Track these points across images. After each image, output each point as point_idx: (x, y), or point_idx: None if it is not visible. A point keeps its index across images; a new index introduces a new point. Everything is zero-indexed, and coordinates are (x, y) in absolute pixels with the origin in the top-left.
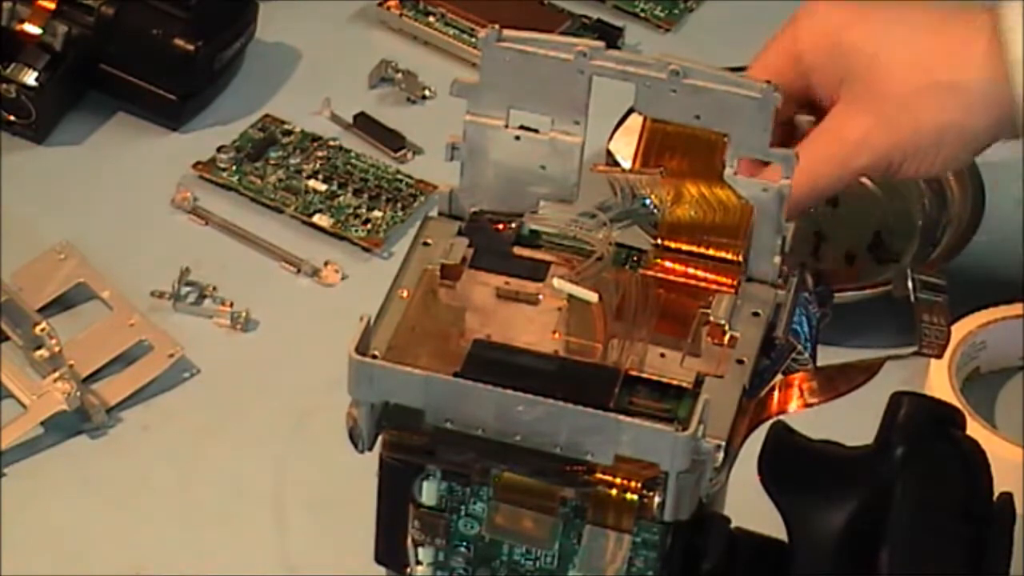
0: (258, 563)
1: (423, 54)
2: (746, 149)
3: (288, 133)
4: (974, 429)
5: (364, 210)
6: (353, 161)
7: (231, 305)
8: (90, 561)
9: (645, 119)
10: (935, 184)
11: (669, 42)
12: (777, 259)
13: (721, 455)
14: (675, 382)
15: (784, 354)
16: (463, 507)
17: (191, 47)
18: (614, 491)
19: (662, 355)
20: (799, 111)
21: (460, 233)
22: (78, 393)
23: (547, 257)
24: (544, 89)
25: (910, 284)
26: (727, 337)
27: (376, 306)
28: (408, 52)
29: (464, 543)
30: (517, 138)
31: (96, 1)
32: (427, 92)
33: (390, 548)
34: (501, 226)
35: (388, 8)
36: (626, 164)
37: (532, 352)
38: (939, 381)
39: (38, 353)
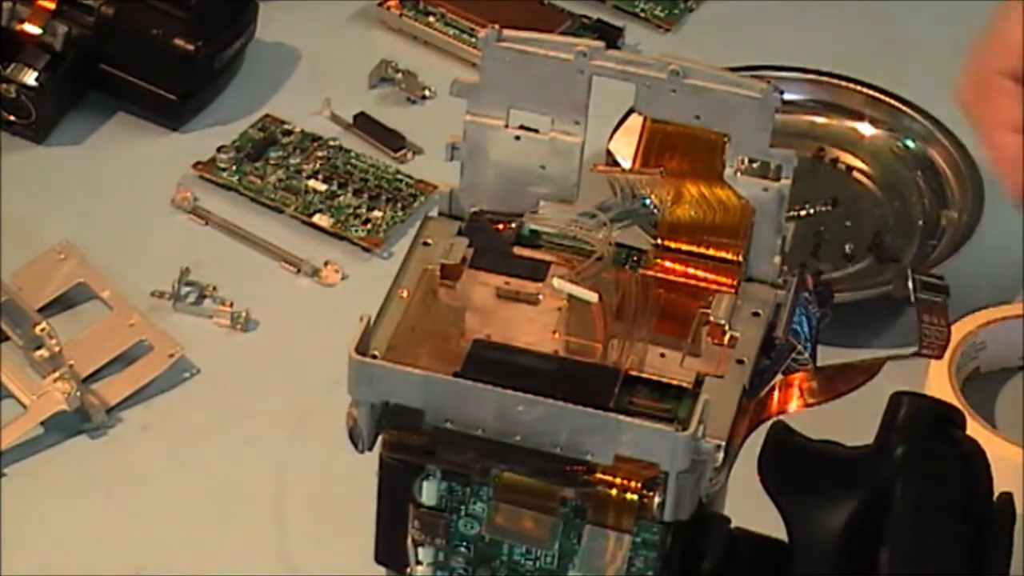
0: (258, 563)
1: (423, 54)
2: (746, 149)
3: (288, 133)
4: (974, 429)
5: (364, 210)
6: (353, 161)
7: (231, 305)
8: (90, 561)
9: (645, 119)
10: (935, 184)
11: (669, 42)
12: (777, 259)
13: (721, 455)
14: (675, 382)
15: (784, 354)
16: (463, 507)
17: (191, 47)
18: (614, 491)
19: (662, 355)
20: None
21: (460, 233)
22: (78, 393)
23: (547, 257)
24: (544, 89)
25: (910, 284)
26: (727, 337)
27: (376, 306)
28: (408, 52)
29: (464, 543)
30: (517, 138)
31: (96, 1)
32: (427, 92)
33: (390, 548)
34: (501, 226)
35: (388, 8)
36: (626, 164)
37: (532, 352)
38: (939, 381)
39: (38, 353)
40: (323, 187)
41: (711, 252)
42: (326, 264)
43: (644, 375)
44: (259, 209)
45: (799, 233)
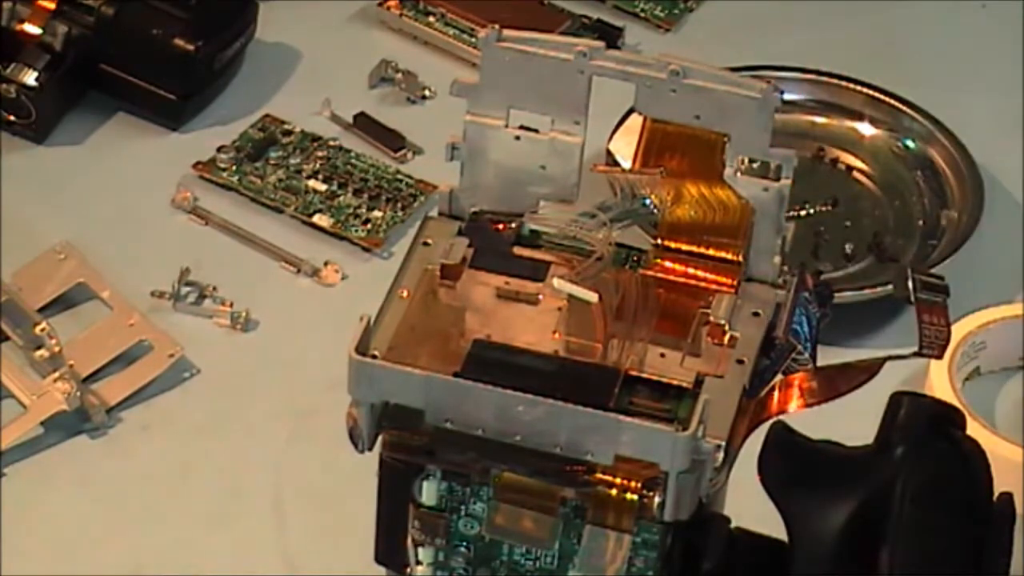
0: (258, 563)
1: (423, 54)
2: (746, 149)
3: (288, 133)
4: (974, 429)
5: (364, 210)
6: (353, 161)
7: (231, 305)
8: (90, 561)
9: (645, 119)
10: (935, 184)
11: (669, 42)
12: (777, 259)
13: (721, 455)
14: (675, 382)
15: (784, 354)
16: (463, 507)
17: (191, 47)
18: (614, 491)
19: (662, 355)
20: None
21: (460, 233)
22: (78, 393)
23: (547, 257)
24: (544, 89)
25: (910, 284)
26: (727, 337)
27: (376, 306)
28: (408, 52)
29: (464, 543)
30: (517, 138)
31: (96, 1)
32: (427, 92)
33: (390, 548)
34: (501, 226)
35: (388, 8)
36: (626, 164)
37: (532, 352)
38: (939, 381)
39: (38, 353)
40: (323, 187)
41: (711, 252)
42: (326, 264)
43: (644, 375)
44: (259, 209)
45: (799, 233)
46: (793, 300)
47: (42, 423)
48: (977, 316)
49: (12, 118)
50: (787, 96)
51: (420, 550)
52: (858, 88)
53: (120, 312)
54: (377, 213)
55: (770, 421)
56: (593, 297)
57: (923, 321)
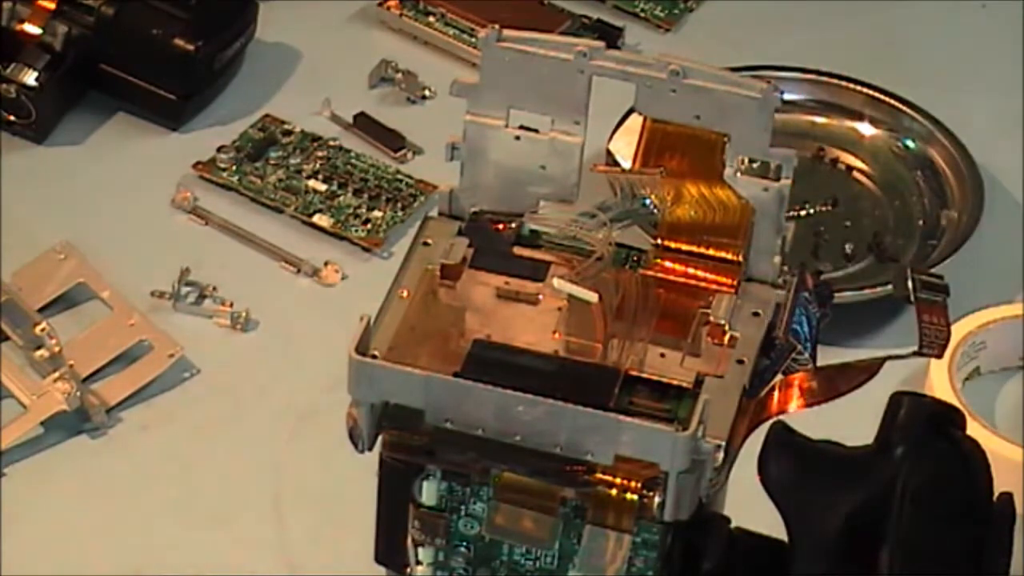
0: (258, 563)
1: (423, 54)
2: (746, 149)
3: (288, 133)
4: (974, 429)
5: (364, 210)
6: (353, 161)
7: (231, 305)
8: (90, 561)
9: (645, 119)
10: (935, 184)
11: (669, 42)
12: (777, 259)
13: (721, 455)
14: (675, 382)
15: (784, 354)
16: (463, 507)
17: (191, 47)
18: (614, 491)
19: (662, 355)
20: None
21: (460, 233)
22: (78, 393)
23: (547, 257)
24: (544, 89)
25: (910, 284)
26: (727, 337)
27: (376, 306)
28: (408, 52)
29: (464, 543)
30: (517, 138)
31: (96, 1)
32: (427, 92)
33: (390, 548)
34: (501, 226)
35: (388, 8)
36: (626, 164)
37: (532, 352)
38: (939, 381)
39: (38, 353)
40: (323, 187)
41: (711, 252)
42: (326, 264)
43: (644, 375)
44: (259, 209)
45: (799, 233)
46: (793, 300)
47: (42, 423)
48: (977, 316)
49: (12, 118)
50: (787, 96)
51: (420, 550)
52: (858, 88)
53: (120, 312)
54: (377, 213)
55: (770, 421)
56: (593, 297)
57: (923, 321)
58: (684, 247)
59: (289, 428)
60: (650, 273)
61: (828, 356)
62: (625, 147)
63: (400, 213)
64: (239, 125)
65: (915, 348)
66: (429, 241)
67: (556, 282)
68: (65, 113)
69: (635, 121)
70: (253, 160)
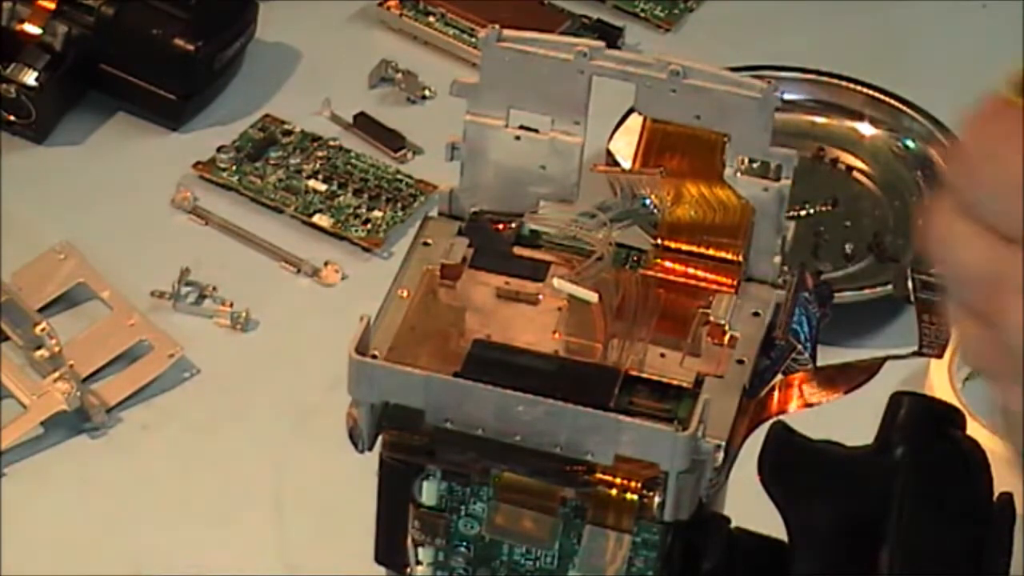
0: (258, 563)
1: (423, 54)
2: (746, 149)
3: (288, 133)
4: (974, 429)
5: (364, 210)
6: (353, 161)
7: (231, 305)
8: (90, 561)
9: (645, 119)
10: (935, 184)
11: (669, 42)
12: (777, 259)
13: (721, 455)
14: (675, 382)
15: (784, 354)
16: (463, 507)
17: (191, 47)
18: (614, 491)
19: (662, 355)
20: None
21: (460, 233)
22: (78, 393)
23: (547, 257)
24: (544, 89)
25: (910, 284)
26: (727, 337)
27: (376, 306)
28: (408, 52)
29: (464, 543)
30: (517, 138)
31: (96, 1)
32: (427, 92)
33: (390, 548)
34: (501, 226)
35: (388, 8)
36: (626, 164)
37: (532, 352)
38: (939, 381)
39: (38, 353)
40: (323, 187)
41: (711, 252)
42: (326, 264)
43: (644, 375)
44: (259, 209)
45: (799, 233)
46: (793, 300)
47: (42, 423)
48: None
49: (12, 118)
50: (787, 96)
51: (420, 550)
52: (858, 88)
53: (120, 312)
54: (377, 213)
55: (770, 421)
56: (593, 297)
57: (923, 321)
58: (684, 247)
59: (289, 428)
60: (650, 273)
61: (828, 356)
62: (625, 147)
63: (400, 213)
64: (239, 125)
65: (915, 348)
66: (429, 241)
67: (556, 282)
68: (65, 113)
69: (635, 121)
70: (253, 160)
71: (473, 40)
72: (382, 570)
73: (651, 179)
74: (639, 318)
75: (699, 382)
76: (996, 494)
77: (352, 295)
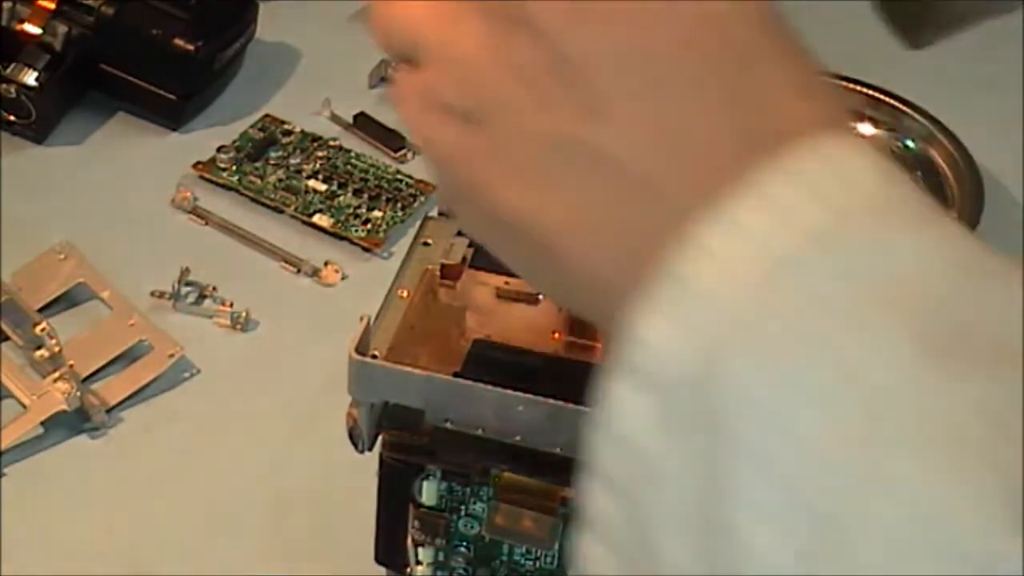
0: (258, 563)
1: None
2: None
3: (288, 133)
4: None
5: (364, 210)
6: (353, 161)
7: (231, 305)
8: (90, 561)
9: None
10: (935, 184)
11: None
12: None
13: None
14: None
15: None
16: (463, 507)
17: (191, 47)
18: None
19: None
20: None
21: (460, 233)
22: (78, 393)
23: None
24: None
25: None
26: None
27: (376, 306)
28: None
29: (464, 543)
30: None
31: (96, 1)
32: None
33: (390, 548)
34: None
35: None
36: None
37: (532, 352)
38: None
39: (38, 353)
40: (323, 187)
41: None
42: (326, 264)
43: None
44: (259, 209)
45: None
46: None
47: (42, 423)
48: None
49: (12, 118)
50: None
51: (420, 550)
52: (858, 88)
53: (120, 312)
54: (377, 213)
55: None
56: None
57: None
58: None
59: (289, 428)
60: None
61: None
62: None
63: (400, 213)
64: (239, 125)
65: None
66: (429, 241)
67: None
68: (65, 113)
69: None
70: (253, 160)
71: None
72: (382, 570)
73: None
74: None
75: None
76: None
77: (352, 295)
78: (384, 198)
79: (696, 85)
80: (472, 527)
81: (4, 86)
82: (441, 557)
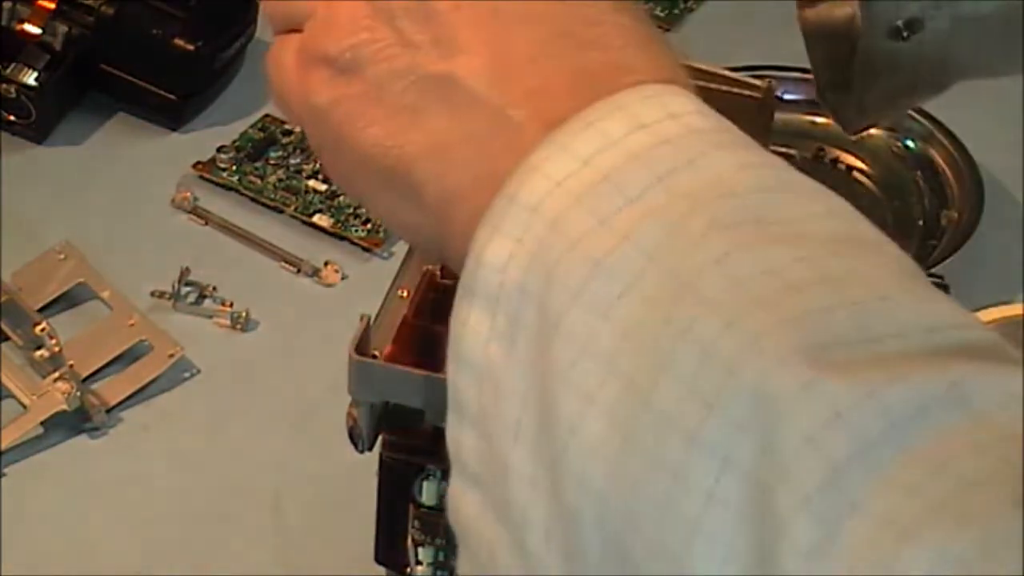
0: (258, 563)
1: None
2: None
3: (288, 133)
4: None
5: (364, 210)
6: None
7: (231, 305)
8: (90, 561)
9: None
10: (935, 184)
11: (668, 42)
12: None
13: None
14: None
15: None
16: None
17: (191, 47)
18: None
19: None
20: None
21: None
22: (78, 393)
23: None
24: None
25: None
26: None
27: (376, 306)
28: None
29: None
30: None
31: (96, 1)
32: None
33: (390, 548)
34: None
35: None
36: None
37: None
38: None
39: (38, 353)
40: (323, 187)
41: None
42: (326, 264)
43: None
44: (259, 209)
45: None
46: None
47: (42, 423)
48: (977, 316)
49: (12, 118)
50: (787, 96)
51: (420, 550)
52: None
53: (120, 312)
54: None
55: None
56: None
57: None
58: None
59: (289, 428)
60: None
61: None
62: None
63: None
64: (239, 125)
65: None
66: None
67: None
68: (65, 113)
69: None
70: (253, 160)
71: None
72: (382, 570)
73: None
74: None
75: None
76: None
77: (352, 295)
78: None
79: (544, 31)
80: None
81: (4, 86)
82: (441, 557)
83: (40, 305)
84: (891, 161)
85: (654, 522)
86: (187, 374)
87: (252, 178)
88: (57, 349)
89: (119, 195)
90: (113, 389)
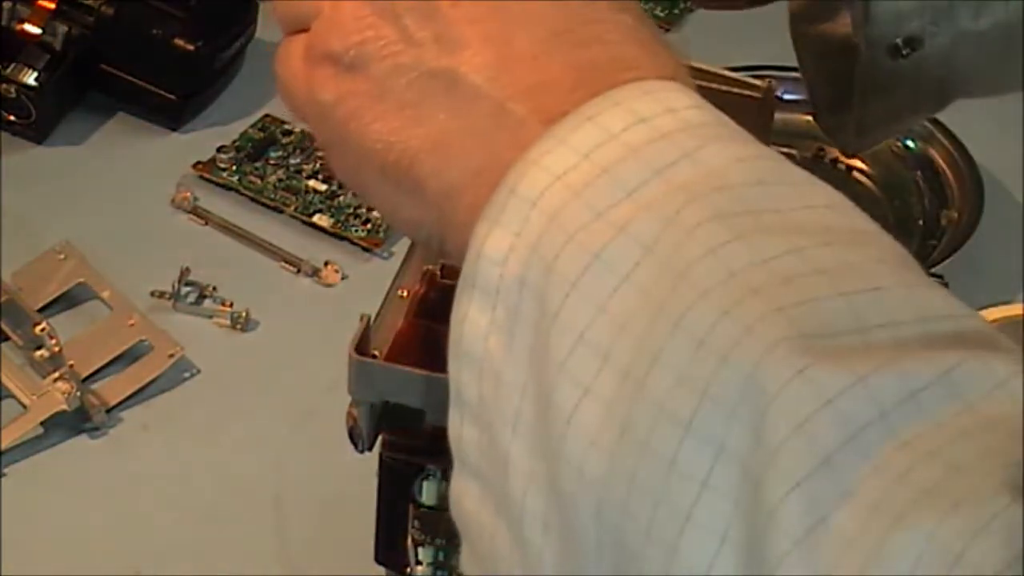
0: (258, 563)
1: None
2: None
3: (288, 133)
4: None
5: (364, 210)
6: None
7: (231, 305)
8: (90, 561)
9: None
10: (935, 184)
11: (669, 42)
12: None
13: None
14: None
15: None
16: None
17: (191, 47)
18: None
19: None
20: None
21: None
22: (78, 393)
23: None
24: None
25: None
26: None
27: (376, 306)
28: None
29: None
30: None
31: (96, 1)
32: None
33: (390, 548)
34: None
35: None
36: None
37: None
38: None
39: (38, 353)
40: (323, 187)
41: None
42: (326, 264)
43: None
44: (259, 209)
45: None
46: None
47: (42, 423)
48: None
49: (12, 118)
50: (787, 96)
51: (420, 550)
52: None
53: (120, 312)
54: (377, 213)
55: None
56: None
57: None
58: None
59: (289, 428)
60: None
61: None
62: None
63: None
64: (239, 125)
65: None
66: None
67: None
68: (65, 113)
69: None
70: (253, 160)
71: None
72: (382, 570)
73: None
74: None
75: None
76: None
77: (352, 295)
78: None
79: (545, 28)
80: None
81: (4, 86)
82: (441, 557)
83: (40, 305)
84: (891, 161)
85: (649, 510)
86: (187, 374)
87: (252, 178)
88: (57, 349)
89: (119, 195)
90: (113, 389)
